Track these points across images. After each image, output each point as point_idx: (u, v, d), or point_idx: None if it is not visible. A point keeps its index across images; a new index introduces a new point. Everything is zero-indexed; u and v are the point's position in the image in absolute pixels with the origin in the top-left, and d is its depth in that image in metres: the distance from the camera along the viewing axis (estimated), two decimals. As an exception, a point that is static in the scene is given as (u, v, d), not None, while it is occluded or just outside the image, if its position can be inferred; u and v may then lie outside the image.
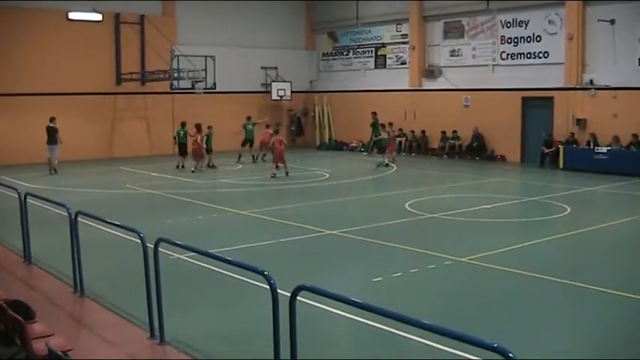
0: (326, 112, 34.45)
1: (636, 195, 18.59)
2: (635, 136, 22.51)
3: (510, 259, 11.21)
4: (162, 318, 7.44)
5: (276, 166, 22.37)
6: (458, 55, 28.99)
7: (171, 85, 28.26)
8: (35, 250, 11.24)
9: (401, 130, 30.71)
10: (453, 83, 28.92)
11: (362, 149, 28.41)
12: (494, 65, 27.71)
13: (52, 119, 24.22)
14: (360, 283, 10.06)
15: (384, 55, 32.33)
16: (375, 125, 28.93)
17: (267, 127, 26.70)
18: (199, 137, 23.83)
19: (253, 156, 27.30)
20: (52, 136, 23.83)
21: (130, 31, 29.22)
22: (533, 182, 21.63)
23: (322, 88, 35.09)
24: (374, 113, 28.98)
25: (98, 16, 28.49)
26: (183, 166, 24.62)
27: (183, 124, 25.24)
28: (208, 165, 24.82)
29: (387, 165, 25.33)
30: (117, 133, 29.61)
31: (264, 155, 26.89)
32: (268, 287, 5.88)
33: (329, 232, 13.66)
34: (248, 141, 27.28)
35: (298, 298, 5.68)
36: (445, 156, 28.66)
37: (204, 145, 24.20)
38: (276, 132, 23.15)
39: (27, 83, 26.93)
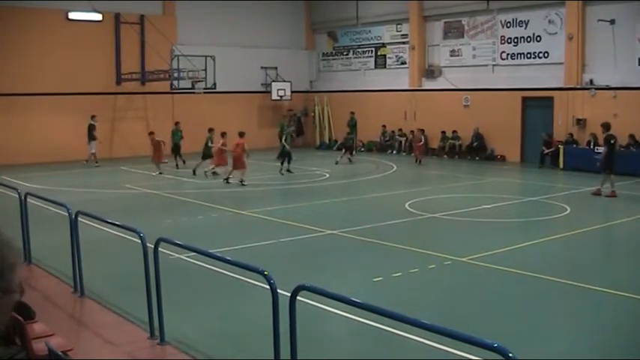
0: (326, 112, 34.45)
1: (636, 195, 18.61)
2: (631, 136, 22.55)
3: (510, 259, 11.21)
4: (162, 318, 7.44)
5: (231, 171, 20.86)
6: (458, 55, 28.98)
7: (172, 85, 28.26)
8: (35, 249, 11.23)
9: (400, 130, 30.75)
10: (453, 83, 28.91)
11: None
12: (494, 65, 27.70)
13: (92, 117, 26.10)
14: (360, 283, 10.06)
15: (384, 55, 32.32)
16: (354, 125, 29.15)
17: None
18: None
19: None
20: (90, 133, 25.75)
21: (130, 31, 29.20)
22: (533, 182, 21.63)
23: (322, 88, 35.08)
24: (352, 113, 29.40)
25: (98, 16, 28.48)
26: (184, 162, 24.87)
27: (176, 123, 25.52)
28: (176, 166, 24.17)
29: (350, 162, 26.38)
30: (117, 133, 29.59)
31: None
32: (268, 287, 5.88)
33: (329, 231, 13.66)
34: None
35: (298, 297, 5.68)
36: (445, 156, 28.65)
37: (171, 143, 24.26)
38: (241, 135, 20.88)
39: (27, 83, 26.92)
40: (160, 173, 23.03)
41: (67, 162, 26.14)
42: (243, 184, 20.36)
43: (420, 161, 26.54)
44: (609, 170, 18.00)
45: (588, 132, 24.01)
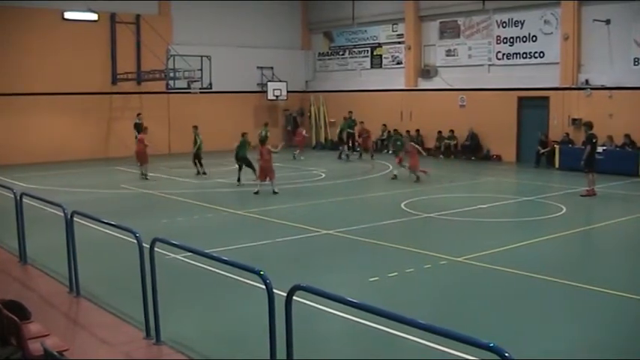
0: (322, 112, 34.44)
1: (632, 195, 18.64)
2: (627, 136, 22.60)
3: (506, 259, 11.23)
4: (158, 318, 7.43)
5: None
6: (454, 55, 29.02)
7: (167, 84, 28.20)
8: (31, 250, 11.21)
9: (396, 130, 30.73)
10: (449, 83, 28.94)
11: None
12: (489, 65, 27.74)
13: (138, 115, 26.55)
14: (356, 283, 10.06)
15: (380, 55, 32.34)
16: (351, 125, 29.15)
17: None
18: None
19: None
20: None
21: (125, 31, 29.15)
22: (529, 182, 21.66)
23: (318, 88, 35.08)
24: (350, 112, 29.60)
25: (94, 16, 28.44)
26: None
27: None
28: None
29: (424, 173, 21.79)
30: (113, 132, 29.54)
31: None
32: (264, 287, 5.88)
33: (325, 231, 13.66)
34: None
35: (294, 297, 5.68)
36: (441, 156, 28.67)
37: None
38: (141, 129, 21.04)
39: (23, 83, 26.87)
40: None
41: (62, 162, 26.09)
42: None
43: None
44: (589, 169, 18.06)
45: (584, 132, 24.02)
